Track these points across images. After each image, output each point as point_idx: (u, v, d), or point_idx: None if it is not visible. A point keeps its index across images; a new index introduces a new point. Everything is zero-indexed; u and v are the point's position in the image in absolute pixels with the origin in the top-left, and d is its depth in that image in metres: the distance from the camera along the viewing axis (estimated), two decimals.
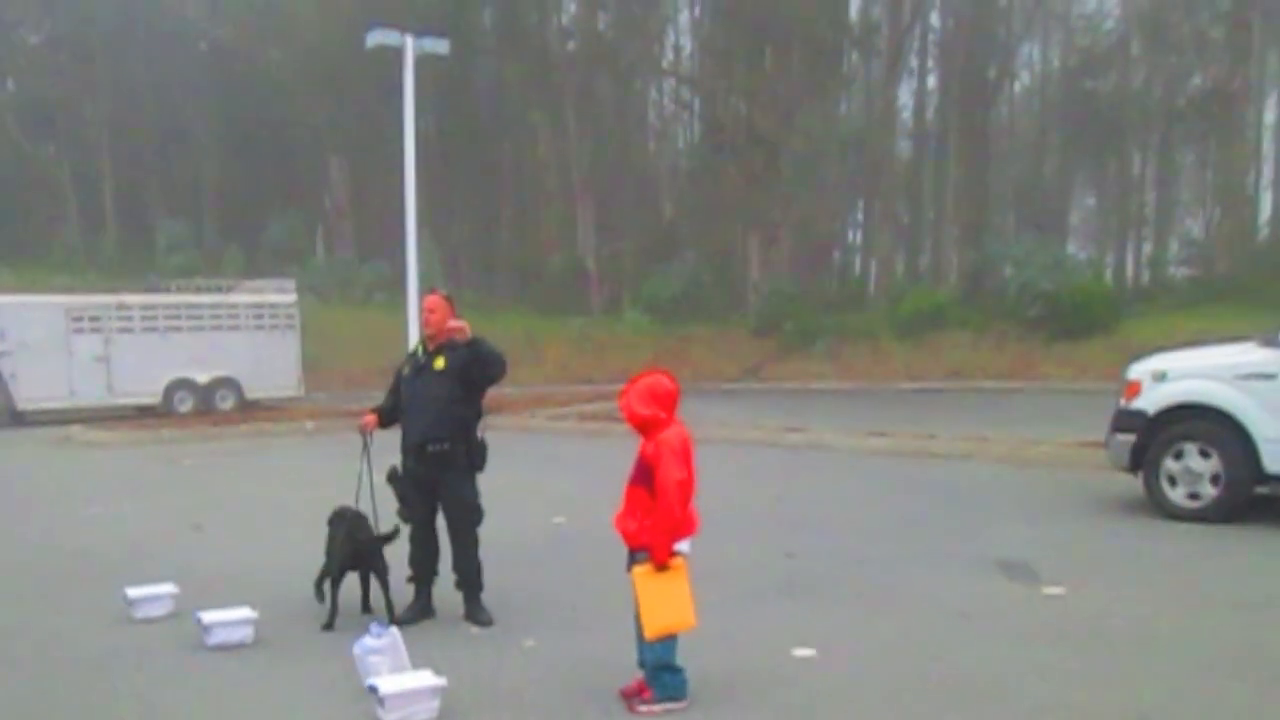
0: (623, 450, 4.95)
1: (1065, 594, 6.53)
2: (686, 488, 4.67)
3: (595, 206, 36.03)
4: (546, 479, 11.63)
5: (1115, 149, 35.38)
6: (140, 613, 6.34)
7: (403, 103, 18.97)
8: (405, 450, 6.26)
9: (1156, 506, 8.74)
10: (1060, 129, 36.22)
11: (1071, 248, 36.45)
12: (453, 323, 6.03)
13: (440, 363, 6.14)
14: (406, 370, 6.31)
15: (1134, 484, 9.22)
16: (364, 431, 6.39)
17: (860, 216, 39.28)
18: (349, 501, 6.32)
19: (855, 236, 40.35)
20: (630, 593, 4.84)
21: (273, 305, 22.07)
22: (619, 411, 4.87)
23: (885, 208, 35.04)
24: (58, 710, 4.97)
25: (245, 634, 5.85)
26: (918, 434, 13.94)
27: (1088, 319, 24.83)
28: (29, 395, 19.53)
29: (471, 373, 6.10)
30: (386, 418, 6.46)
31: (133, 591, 6.42)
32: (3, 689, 5.24)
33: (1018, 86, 39.68)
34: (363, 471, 6.27)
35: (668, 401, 4.75)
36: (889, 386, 23.84)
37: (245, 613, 5.92)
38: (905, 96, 37.57)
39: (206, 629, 5.79)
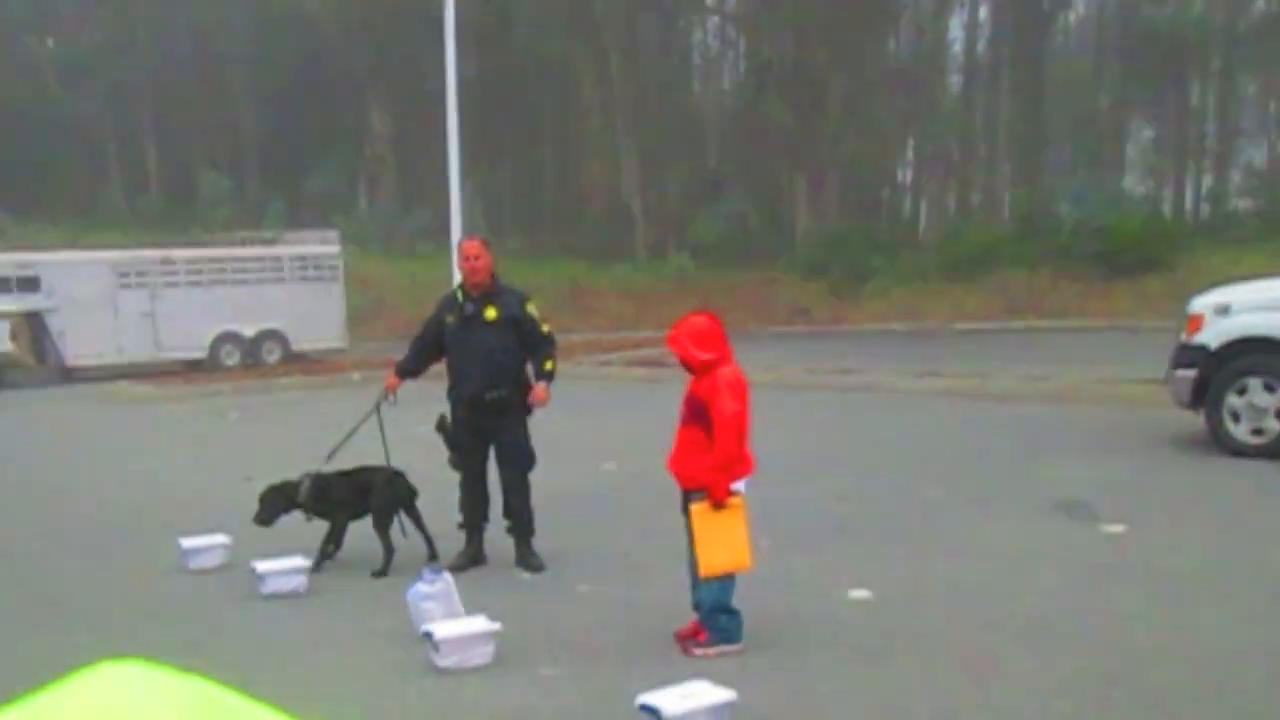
0: (672, 395, 4.87)
1: (1126, 532, 6.39)
2: (742, 422, 4.61)
3: (639, 150, 35.65)
4: (596, 425, 11.58)
5: (1174, 79, 34.32)
6: (194, 563, 6.39)
7: (444, 47, 18.77)
8: (457, 400, 6.21)
9: (1219, 443, 8.51)
10: (1117, 59, 35.17)
11: (1129, 182, 35.53)
12: (539, 395, 6.10)
13: (492, 312, 6.06)
14: (451, 320, 6.20)
15: (1195, 421, 8.96)
16: (386, 395, 6.36)
17: (910, 154, 38.55)
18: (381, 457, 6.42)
19: (905, 175, 39.65)
20: (684, 536, 4.78)
21: (316, 256, 22.10)
22: (670, 352, 4.77)
23: (936, 145, 34.33)
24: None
25: (299, 583, 5.87)
26: (972, 374, 13.72)
27: (1146, 255, 24.21)
28: (77, 352, 19.74)
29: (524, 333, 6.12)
30: (414, 369, 6.40)
31: (186, 542, 6.47)
32: (61, 640, 5.30)
33: (1072, 16, 38.55)
34: (382, 432, 6.35)
35: (722, 342, 4.68)
36: (941, 327, 23.51)
37: (298, 561, 5.94)
38: (956, 29, 36.65)
39: (260, 578, 5.82)
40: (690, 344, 4.64)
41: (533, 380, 6.20)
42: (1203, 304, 8.82)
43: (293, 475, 6.47)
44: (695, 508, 4.60)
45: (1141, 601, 5.12)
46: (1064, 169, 32.38)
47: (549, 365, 6.14)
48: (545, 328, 6.18)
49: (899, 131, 36.88)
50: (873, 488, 8.01)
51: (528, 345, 6.14)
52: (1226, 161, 34.46)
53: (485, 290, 6.12)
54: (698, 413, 4.62)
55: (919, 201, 37.46)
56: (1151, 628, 4.75)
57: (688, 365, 4.69)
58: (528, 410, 6.20)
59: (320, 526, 6.38)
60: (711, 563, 4.58)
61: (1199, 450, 8.66)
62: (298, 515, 6.40)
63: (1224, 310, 8.62)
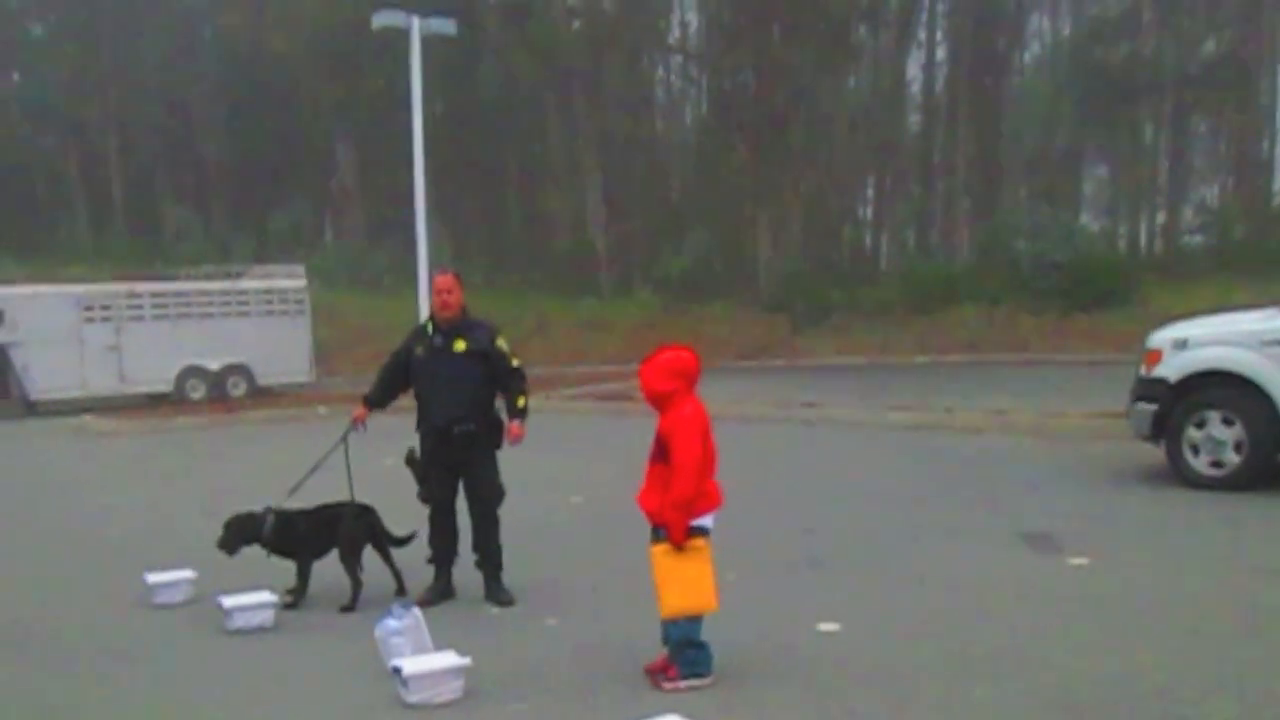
0: (638, 429, 4.91)
1: (1089, 564, 6.47)
2: (701, 460, 4.59)
3: (604, 186, 35.87)
4: (563, 459, 11.58)
5: (1127, 118, 35.05)
6: (160, 598, 6.33)
7: (410, 85, 18.86)
8: (426, 433, 6.22)
9: (1179, 475, 8.65)
10: (1071, 97, 35.89)
11: (1085, 218, 36.16)
12: (515, 433, 6.14)
13: (461, 345, 6.09)
14: (420, 351, 6.22)
15: (1156, 454, 9.11)
16: (355, 425, 6.35)
17: (871, 191, 39.04)
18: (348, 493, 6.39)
19: (866, 211, 40.11)
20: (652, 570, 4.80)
21: (283, 290, 22.00)
22: (638, 385, 4.80)
23: (896, 181, 34.78)
24: (80, 698, 4.94)
25: (266, 617, 5.83)
26: (935, 408, 13.85)
27: (1102, 290, 24.63)
28: (42, 386, 19.52)
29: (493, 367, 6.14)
30: (381, 400, 6.40)
31: (152, 577, 6.41)
32: (25, 677, 5.22)
33: (1027, 56, 39.33)
34: (348, 465, 6.32)
35: (687, 375, 4.70)
36: (903, 361, 23.72)
37: (265, 596, 5.90)
38: (914, 69, 37.28)
39: (227, 613, 5.77)
40: (653, 375, 4.68)
41: (503, 415, 6.22)
42: (1161, 339, 9.00)
43: (258, 508, 6.43)
44: (656, 549, 4.59)
45: (1106, 633, 5.19)
46: (1021, 205, 32.89)
47: (521, 402, 6.17)
48: (515, 362, 6.22)
49: (860, 168, 37.37)
50: (839, 520, 8.07)
51: (497, 379, 6.18)
52: (1179, 199, 35.16)
53: (455, 324, 6.16)
54: (664, 451, 4.63)
55: (880, 237, 37.89)
56: (1117, 659, 4.81)
57: (646, 396, 4.73)
58: (496, 444, 6.22)
59: (284, 560, 6.34)
60: (671, 604, 4.55)
61: (1159, 483, 8.80)
62: (256, 547, 6.36)
63: (1182, 345, 8.79)
